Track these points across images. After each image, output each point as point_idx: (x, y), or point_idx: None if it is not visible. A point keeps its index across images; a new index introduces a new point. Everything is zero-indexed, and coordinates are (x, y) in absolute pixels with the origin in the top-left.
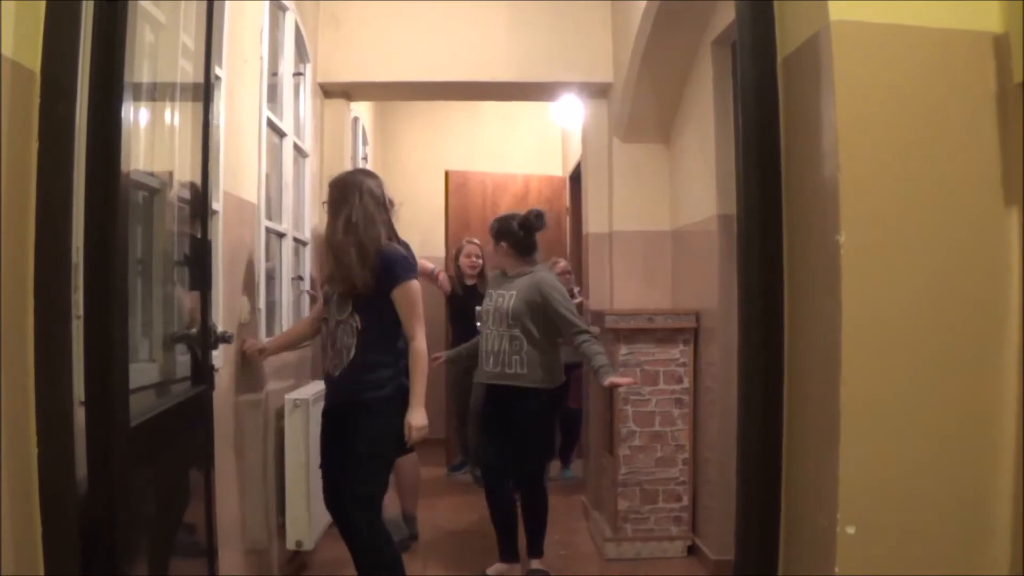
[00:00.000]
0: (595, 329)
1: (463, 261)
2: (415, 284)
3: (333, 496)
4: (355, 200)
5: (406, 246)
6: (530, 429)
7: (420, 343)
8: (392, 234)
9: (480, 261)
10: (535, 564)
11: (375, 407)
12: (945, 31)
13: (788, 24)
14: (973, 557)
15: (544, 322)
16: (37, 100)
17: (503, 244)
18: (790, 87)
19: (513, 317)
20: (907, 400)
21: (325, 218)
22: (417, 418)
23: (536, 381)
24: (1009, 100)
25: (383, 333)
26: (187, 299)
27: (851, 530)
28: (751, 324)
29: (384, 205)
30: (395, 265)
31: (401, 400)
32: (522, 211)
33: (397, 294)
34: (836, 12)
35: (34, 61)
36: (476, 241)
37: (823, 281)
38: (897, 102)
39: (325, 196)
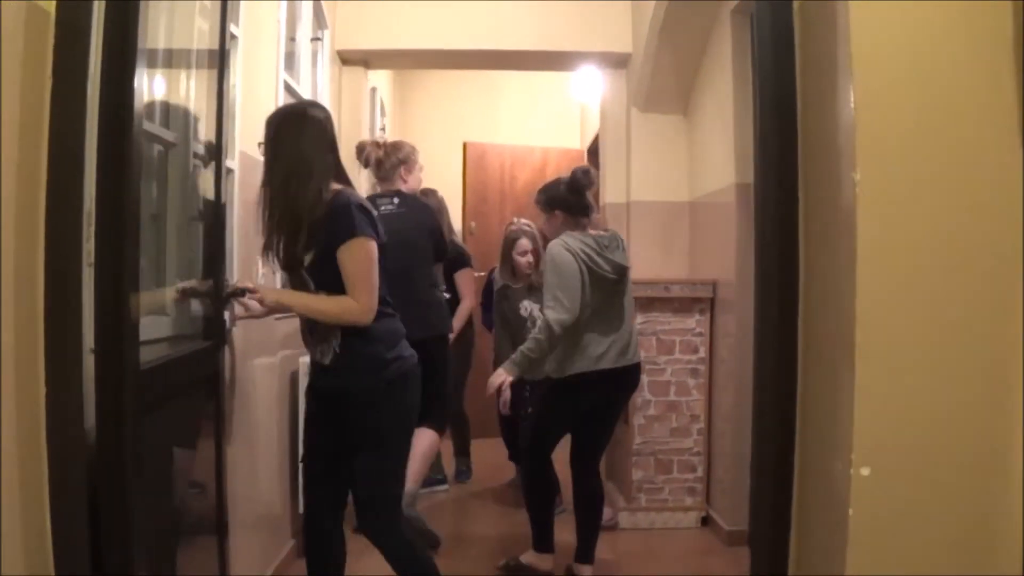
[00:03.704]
0: (566, 317)
1: (519, 261)
2: (367, 243)
3: (325, 502)
4: (297, 138)
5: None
6: (544, 413)
7: (362, 307)
8: (347, 182)
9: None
10: (586, 571)
11: (383, 392)
12: None
13: None
14: (988, 498)
15: None
16: (51, 41)
17: (557, 213)
18: (807, 31)
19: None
20: (923, 342)
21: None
22: (263, 299)
23: (553, 370)
24: None
25: None
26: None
27: (866, 472)
28: (766, 265)
29: (333, 144)
30: (341, 217)
31: (410, 377)
32: (542, 182)
33: (342, 253)
34: None
35: (49, 2)
36: (527, 225)
37: (839, 221)
38: (914, 44)
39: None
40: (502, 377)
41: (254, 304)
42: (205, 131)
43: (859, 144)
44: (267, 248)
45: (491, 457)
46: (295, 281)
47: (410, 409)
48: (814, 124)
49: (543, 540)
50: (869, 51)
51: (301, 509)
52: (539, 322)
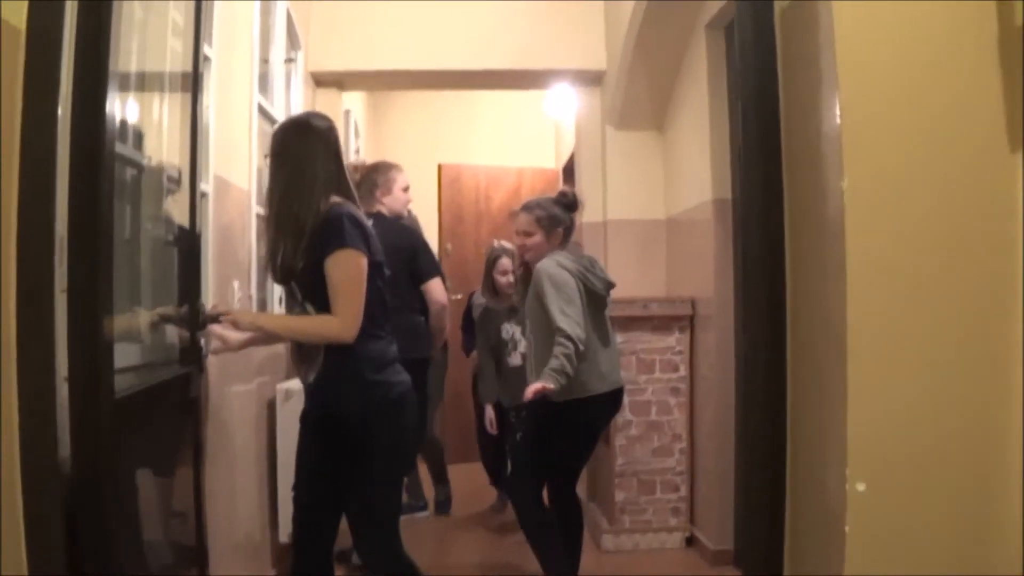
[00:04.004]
0: (580, 332)
1: (500, 280)
2: (355, 256)
3: (314, 532)
4: (300, 150)
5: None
6: (534, 439)
7: (342, 323)
8: (349, 195)
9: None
10: None
11: (371, 418)
12: None
13: None
14: (986, 512)
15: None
16: (23, 59)
17: (559, 231)
18: (788, 37)
19: (526, 315)
20: (917, 352)
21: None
22: (238, 322)
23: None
24: (1012, 43)
25: None
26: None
27: (861, 487)
28: (752, 279)
29: (336, 155)
30: (332, 228)
31: (402, 403)
32: (518, 203)
33: (329, 264)
34: None
35: (20, 19)
36: (508, 246)
37: (827, 230)
38: (898, 48)
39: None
40: (541, 386)
41: (230, 336)
42: (180, 154)
43: (846, 152)
44: (267, 259)
45: (468, 482)
46: (290, 296)
47: (401, 435)
48: (798, 132)
49: (561, 568)
50: (854, 56)
51: (283, 538)
52: (558, 335)
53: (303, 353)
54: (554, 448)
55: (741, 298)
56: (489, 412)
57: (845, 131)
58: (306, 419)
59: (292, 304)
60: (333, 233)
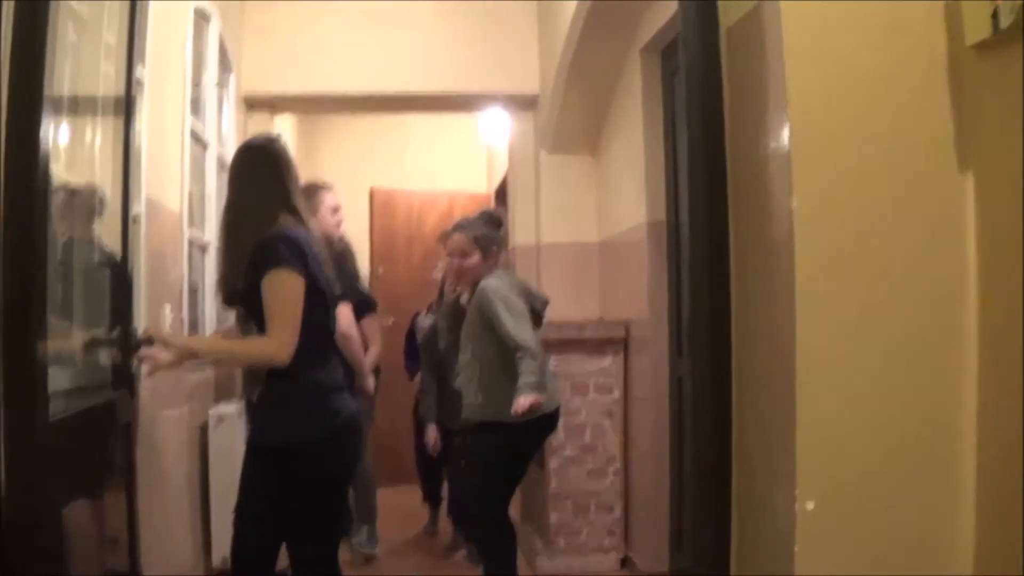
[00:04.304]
0: (535, 348)
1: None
2: (289, 276)
3: (253, 554)
4: (248, 172)
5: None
6: (477, 464)
7: (276, 344)
8: (297, 216)
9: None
10: None
11: (305, 451)
12: None
13: None
14: (937, 530)
15: (498, 339)
16: None
17: (494, 250)
18: (735, 57)
19: (467, 337)
20: (866, 370)
21: None
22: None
23: (493, 414)
24: (962, 63)
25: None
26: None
27: (810, 505)
28: (698, 298)
29: (282, 178)
30: (268, 249)
31: (343, 432)
32: (449, 226)
33: (264, 284)
34: None
35: None
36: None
37: (774, 249)
38: (847, 67)
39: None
40: (534, 399)
41: (160, 355)
42: (112, 176)
43: (795, 171)
44: (217, 282)
45: (397, 505)
46: (244, 319)
47: (342, 465)
48: (744, 152)
49: None
50: (803, 74)
51: (215, 563)
52: (522, 352)
53: (252, 375)
54: (504, 469)
55: (685, 320)
56: (431, 432)
57: (794, 150)
58: (250, 442)
59: (245, 327)
60: (268, 254)
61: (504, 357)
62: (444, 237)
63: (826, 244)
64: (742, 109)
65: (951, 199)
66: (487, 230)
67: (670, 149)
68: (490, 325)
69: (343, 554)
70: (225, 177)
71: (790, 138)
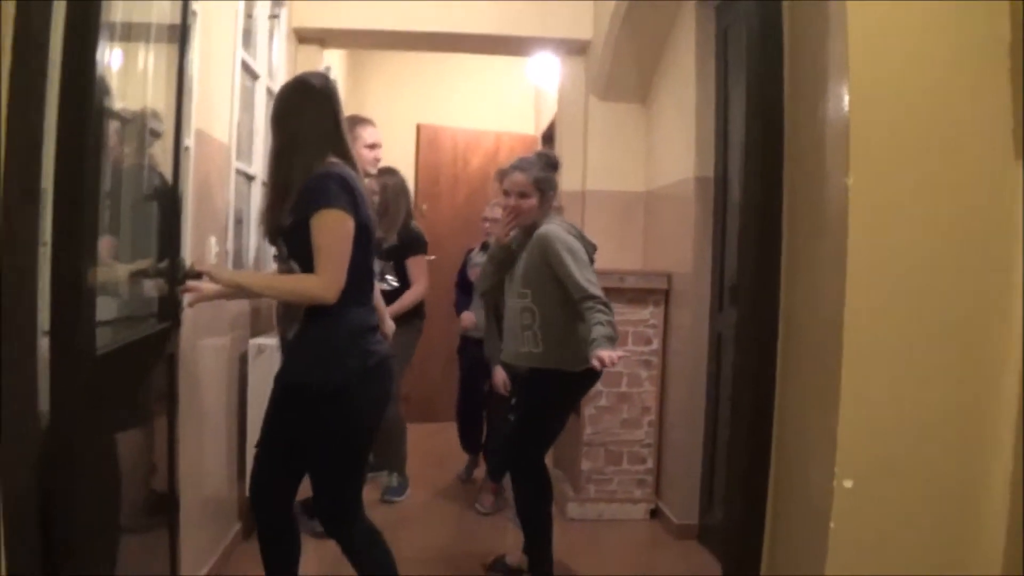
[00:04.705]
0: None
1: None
2: (340, 216)
3: (271, 492)
4: (298, 109)
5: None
6: (534, 413)
7: (324, 282)
8: (347, 156)
9: None
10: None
11: (337, 392)
12: None
13: None
14: (970, 513)
15: (558, 288)
16: (12, 14)
17: (551, 193)
18: (797, 26)
19: (522, 282)
20: (910, 353)
21: None
22: (217, 278)
23: (555, 361)
24: (1022, 48)
25: None
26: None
27: (849, 484)
28: (747, 273)
29: (333, 116)
30: (318, 188)
31: (378, 371)
32: (495, 167)
33: (313, 223)
34: None
35: None
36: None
37: (828, 226)
38: (910, 44)
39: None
40: (614, 354)
41: (205, 286)
42: (164, 107)
43: (852, 148)
44: (261, 217)
45: (430, 445)
46: (283, 257)
47: (373, 405)
48: (803, 125)
49: (547, 549)
50: (865, 53)
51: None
52: (592, 302)
53: (289, 312)
54: (557, 418)
55: (729, 283)
56: (500, 373)
57: (853, 128)
58: (279, 378)
59: (280, 263)
60: (319, 193)
61: (566, 306)
62: (502, 175)
63: (879, 224)
64: (802, 81)
65: (1004, 188)
66: (546, 172)
67: (720, 105)
68: (551, 273)
69: (371, 493)
70: None
71: (849, 115)
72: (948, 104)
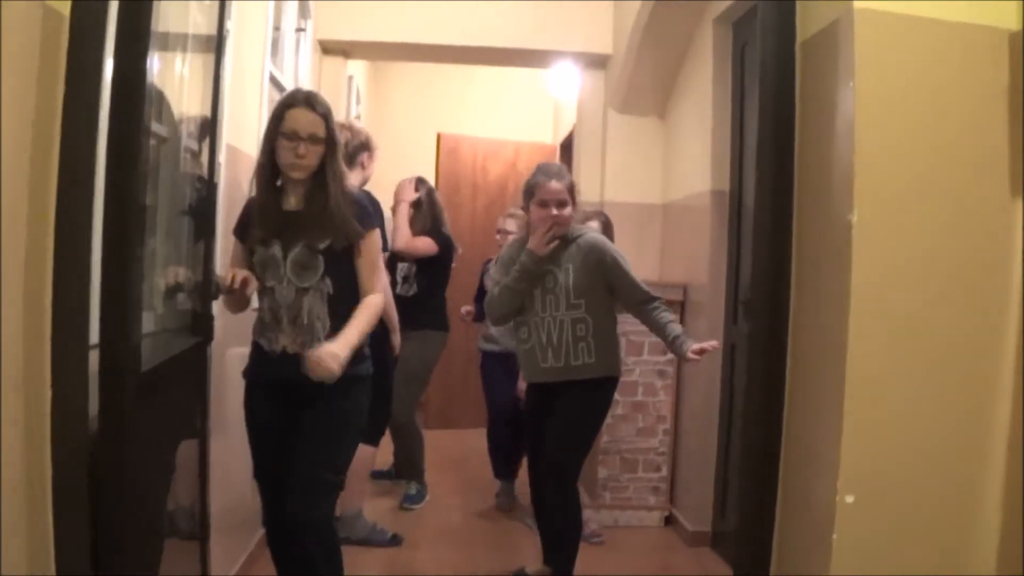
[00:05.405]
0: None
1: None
2: (378, 234)
3: (281, 506)
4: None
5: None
6: (588, 422)
7: (382, 295)
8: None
9: None
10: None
11: (351, 384)
12: (963, 25)
13: (809, 10)
14: (967, 528)
15: (607, 295)
16: (66, 44)
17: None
18: (808, 70)
19: (570, 292)
20: (911, 376)
21: None
22: (337, 347)
23: (609, 369)
24: (1020, 92)
25: (353, 295)
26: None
27: (850, 499)
28: (759, 297)
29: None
30: (367, 208)
31: (370, 377)
32: (514, 177)
33: (367, 242)
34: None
35: (64, 5)
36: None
37: (833, 258)
38: (913, 90)
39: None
40: (710, 343)
41: (335, 367)
42: (197, 126)
43: (857, 186)
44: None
45: (445, 449)
46: (305, 273)
47: (366, 407)
48: (811, 161)
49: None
50: (872, 95)
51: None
52: (657, 302)
53: (301, 321)
54: (595, 427)
55: (751, 314)
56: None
57: (858, 167)
58: (270, 385)
59: (271, 276)
60: (368, 213)
61: (610, 312)
62: (534, 186)
63: (880, 257)
64: (811, 119)
65: (1001, 223)
66: (571, 178)
67: (736, 120)
68: (603, 280)
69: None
70: None
71: (855, 155)
72: (948, 143)
